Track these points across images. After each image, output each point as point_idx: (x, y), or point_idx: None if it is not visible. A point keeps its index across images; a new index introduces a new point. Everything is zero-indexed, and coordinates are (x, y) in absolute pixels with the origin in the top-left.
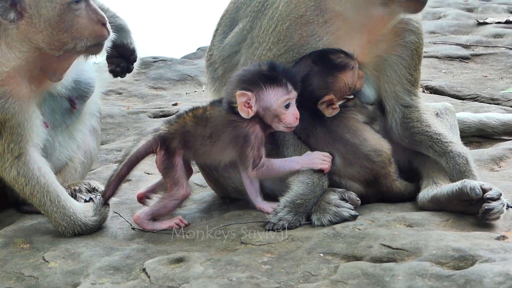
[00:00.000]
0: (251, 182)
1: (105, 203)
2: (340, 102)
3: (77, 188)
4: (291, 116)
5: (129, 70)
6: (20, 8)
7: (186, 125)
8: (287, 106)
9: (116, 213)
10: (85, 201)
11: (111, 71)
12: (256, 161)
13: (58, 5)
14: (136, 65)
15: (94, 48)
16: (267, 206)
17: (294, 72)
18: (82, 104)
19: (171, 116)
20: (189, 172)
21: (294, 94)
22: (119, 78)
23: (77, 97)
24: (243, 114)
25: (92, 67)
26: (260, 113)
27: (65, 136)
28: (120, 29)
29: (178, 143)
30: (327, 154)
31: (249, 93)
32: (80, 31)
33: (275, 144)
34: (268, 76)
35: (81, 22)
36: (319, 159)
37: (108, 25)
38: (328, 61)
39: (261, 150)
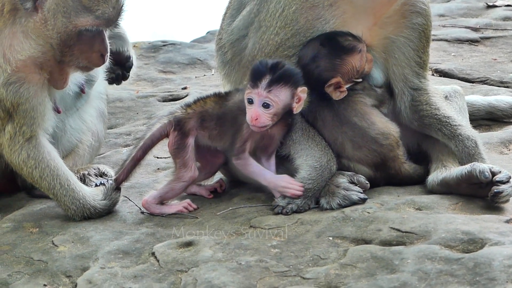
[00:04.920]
0: (269, 165)
1: (117, 187)
2: (348, 85)
3: (86, 172)
4: (248, 113)
5: (125, 77)
6: (38, 5)
7: (205, 104)
8: (250, 102)
9: (126, 197)
10: (96, 185)
11: (107, 79)
12: (238, 152)
13: (71, 25)
14: (132, 73)
15: (84, 69)
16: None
17: (275, 73)
18: (90, 87)
19: (188, 100)
20: (219, 160)
21: (257, 92)
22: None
23: (85, 81)
24: None
25: None
26: None
27: (75, 119)
28: (119, 37)
29: (195, 123)
30: (296, 184)
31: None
32: (79, 51)
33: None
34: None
35: (84, 45)
36: (285, 186)
37: (107, 57)
38: (336, 44)
39: (247, 144)
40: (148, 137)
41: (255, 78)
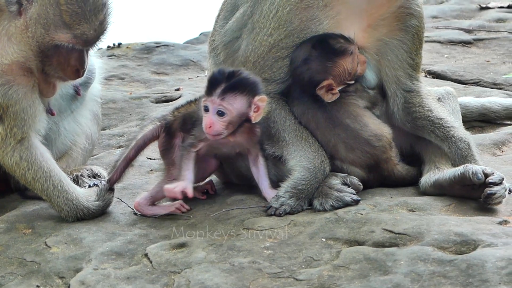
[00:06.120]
0: (258, 169)
1: (111, 188)
2: (340, 88)
3: (79, 174)
4: (203, 121)
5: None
6: (22, 10)
7: (190, 107)
8: (206, 110)
9: (118, 198)
10: (89, 186)
11: None
12: (188, 144)
13: (49, 38)
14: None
15: (62, 79)
16: (271, 194)
17: (229, 81)
18: (85, 90)
19: (180, 103)
20: (210, 166)
21: (211, 100)
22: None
23: (81, 83)
24: None
25: (93, 54)
26: None
27: (70, 121)
28: None
29: (178, 125)
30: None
31: None
32: (57, 63)
33: (276, 128)
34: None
35: (61, 58)
36: (172, 190)
37: (83, 72)
38: (327, 46)
39: (199, 144)
40: (140, 138)
41: (211, 86)
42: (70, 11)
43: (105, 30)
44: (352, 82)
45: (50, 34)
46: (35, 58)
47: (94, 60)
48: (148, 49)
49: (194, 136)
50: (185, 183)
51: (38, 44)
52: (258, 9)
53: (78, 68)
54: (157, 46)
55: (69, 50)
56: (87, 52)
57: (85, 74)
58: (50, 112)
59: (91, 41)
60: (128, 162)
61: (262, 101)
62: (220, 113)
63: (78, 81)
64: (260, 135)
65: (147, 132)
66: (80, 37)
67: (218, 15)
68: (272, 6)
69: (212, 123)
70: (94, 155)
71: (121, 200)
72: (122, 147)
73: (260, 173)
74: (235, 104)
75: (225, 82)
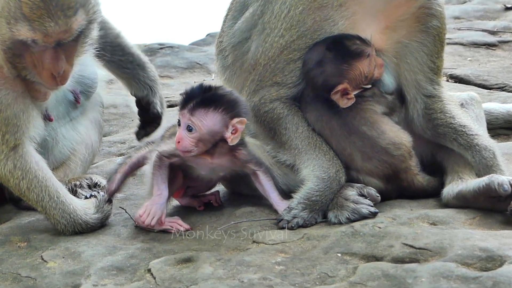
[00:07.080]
0: (261, 185)
1: (109, 199)
2: (356, 92)
3: (78, 183)
4: (176, 135)
5: (146, 134)
6: None
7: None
8: (179, 124)
9: (122, 208)
10: (86, 197)
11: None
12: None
13: (10, 33)
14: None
15: (43, 87)
16: (282, 206)
17: (203, 95)
18: (87, 99)
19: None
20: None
21: (182, 113)
22: None
23: (81, 91)
24: None
25: (95, 63)
26: None
27: (68, 128)
28: (134, 67)
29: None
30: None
31: None
32: (31, 65)
33: (288, 135)
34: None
35: (34, 59)
36: (147, 211)
37: (60, 79)
38: (343, 48)
39: (172, 158)
40: (134, 157)
41: (185, 99)
42: (30, 3)
43: (72, 26)
44: (369, 86)
45: (11, 28)
46: (5, 58)
47: (96, 68)
48: (151, 51)
49: (165, 149)
50: (156, 208)
51: (3, 41)
52: (269, 9)
53: (53, 73)
54: (161, 48)
55: (40, 51)
56: (66, 56)
57: (86, 81)
58: (47, 118)
59: (51, 36)
60: (125, 176)
61: (241, 124)
62: (190, 129)
63: (78, 87)
64: (247, 157)
65: (143, 153)
66: (38, 29)
67: (226, 15)
68: (283, 5)
69: (180, 138)
70: (94, 163)
71: (125, 211)
72: (123, 154)
73: (265, 187)
74: (206, 121)
75: (198, 97)
